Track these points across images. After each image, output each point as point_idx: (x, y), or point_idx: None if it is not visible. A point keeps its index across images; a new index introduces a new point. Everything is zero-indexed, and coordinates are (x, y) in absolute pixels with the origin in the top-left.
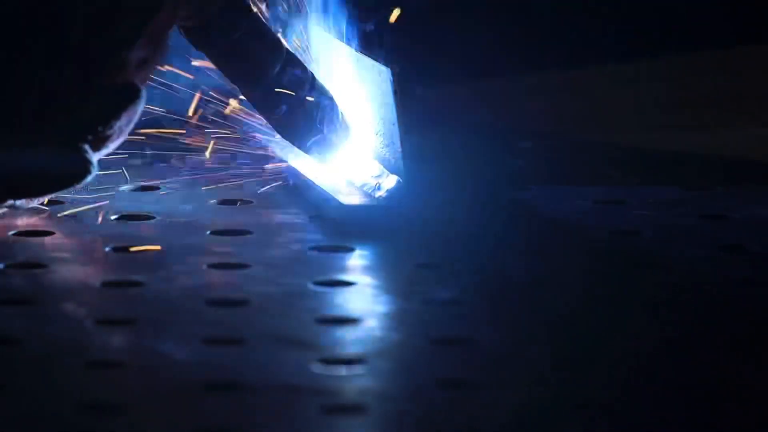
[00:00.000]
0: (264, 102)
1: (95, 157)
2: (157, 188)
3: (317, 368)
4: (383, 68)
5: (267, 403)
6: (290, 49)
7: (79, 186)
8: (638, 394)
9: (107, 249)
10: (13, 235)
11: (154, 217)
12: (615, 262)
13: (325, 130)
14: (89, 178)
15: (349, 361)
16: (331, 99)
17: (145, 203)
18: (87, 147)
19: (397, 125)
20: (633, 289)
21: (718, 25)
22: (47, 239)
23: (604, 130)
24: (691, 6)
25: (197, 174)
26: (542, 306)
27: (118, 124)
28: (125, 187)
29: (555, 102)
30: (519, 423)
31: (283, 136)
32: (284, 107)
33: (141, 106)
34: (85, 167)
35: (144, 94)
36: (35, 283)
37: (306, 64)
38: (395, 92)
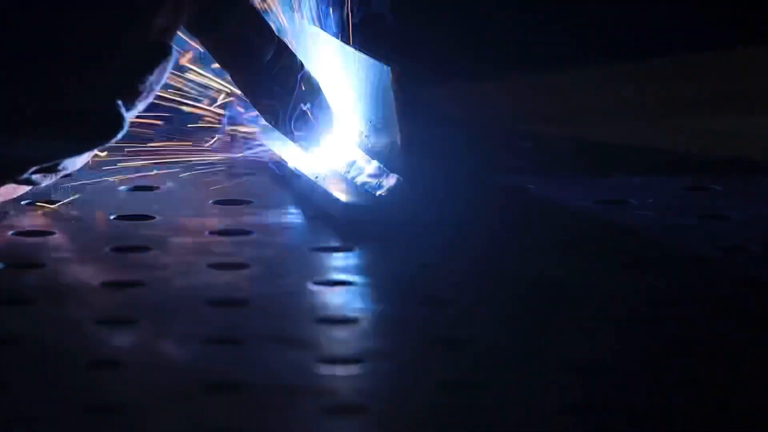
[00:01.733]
0: (253, 88)
1: (127, 116)
2: (157, 188)
3: (317, 368)
4: (384, 67)
5: (267, 403)
6: (282, 39)
7: (108, 144)
8: (638, 394)
9: (107, 249)
10: (13, 235)
11: (154, 217)
12: (615, 262)
13: (311, 119)
14: (119, 135)
15: (348, 361)
16: (318, 88)
17: (145, 203)
18: (120, 103)
19: (398, 124)
20: (633, 289)
21: (721, 24)
22: (47, 239)
23: (605, 130)
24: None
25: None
26: (542, 306)
27: (150, 79)
28: (124, 188)
29: (556, 101)
30: (519, 423)
31: (269, 123)
32: (273, 94)
33: (170, 65)
34: (117, 122)
35: (174, 52)
36: (35, 283)
37: (296, 54)
38: (396, 91)
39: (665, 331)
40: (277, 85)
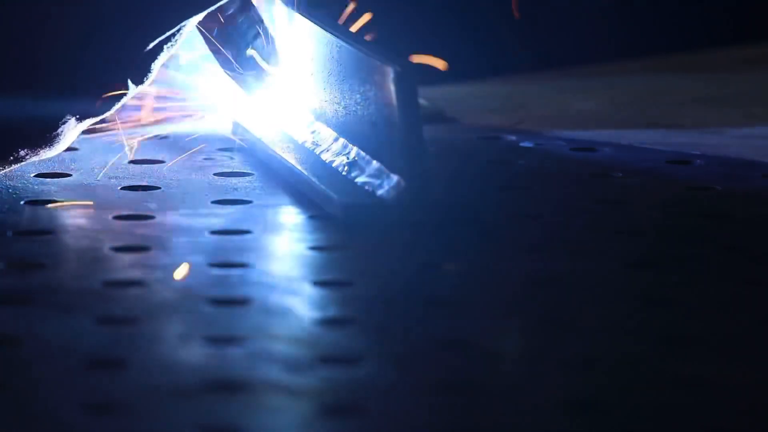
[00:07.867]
0: (215, 35)
1: None
2: (158, 188)
3: (317, 368)
4: (386, 68)
5: (267, 403)
6: None
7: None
8: (637, 393)
9: (107, 249)
10: (13, 235)
11: (153, 217)
12: (615, 262)
13: (259, 64)
14: None
15: (348, 361)
16: (272, 41)
17: (144, 202)
18: None
19: (399, 124)
20: (633, 289)
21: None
22: (47, 239)
23: (604, 129)
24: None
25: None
26: (542, 306)
27: None
28: (121, 187)
29: (556, 101)
30: (519, 423)
31: (222, 67)
32: (232, 42)
33: None
34: None
35: None
36: (35, 282)
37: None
38: (398, 92)
39: (664, 330)
40: (237, 35)
